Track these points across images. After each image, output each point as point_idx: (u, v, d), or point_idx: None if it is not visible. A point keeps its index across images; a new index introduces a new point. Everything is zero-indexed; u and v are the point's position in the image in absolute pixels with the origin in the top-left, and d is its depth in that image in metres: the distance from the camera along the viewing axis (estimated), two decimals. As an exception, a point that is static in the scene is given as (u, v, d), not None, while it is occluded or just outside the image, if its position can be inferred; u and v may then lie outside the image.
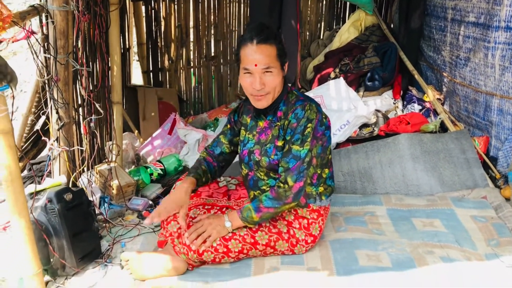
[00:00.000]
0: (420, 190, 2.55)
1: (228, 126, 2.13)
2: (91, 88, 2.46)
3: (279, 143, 1.89)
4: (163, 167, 2.90)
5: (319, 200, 1.98)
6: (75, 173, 2.35)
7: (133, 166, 3.15)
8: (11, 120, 1.64)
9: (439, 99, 3.21)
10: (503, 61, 2.53)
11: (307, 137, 1.82)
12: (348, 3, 4.46)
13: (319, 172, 1.96)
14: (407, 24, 3.52)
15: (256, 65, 1.77)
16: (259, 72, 1.79)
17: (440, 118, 3.00)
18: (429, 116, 3.14)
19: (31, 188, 1.96)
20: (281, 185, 1.82)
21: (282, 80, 1.87)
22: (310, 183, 1.94)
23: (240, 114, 2.10)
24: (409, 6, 3.49)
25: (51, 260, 1.88)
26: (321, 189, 1.98)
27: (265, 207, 1.82)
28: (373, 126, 3.09)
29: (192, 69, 4.37)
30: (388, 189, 2.59)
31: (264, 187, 1.96)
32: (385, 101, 3.32)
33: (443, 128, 3.00)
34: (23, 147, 3.08)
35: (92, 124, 2.42)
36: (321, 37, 4.58)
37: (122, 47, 3.33)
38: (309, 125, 1.82)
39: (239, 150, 2.07)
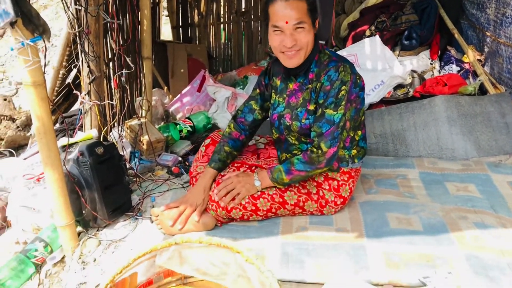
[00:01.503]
0: (455, 154, 2.47)
1: (258, 91, 2.05)
2: (121, 42, 2.44)
3: (311, 107, 1.82)
4: (192, 124, 2.90)
5: (351, 163, 1.93)
6: (106, 127, 2.37)
7: (162, 123, 3.16)
8: (43, 73, 1.64)
9: (479, 60, 3.06)
10: (554, 20, 2.37)
11: (341, 101, 1.74)
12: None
13: (352, 134, 1.90)
14: (449, -21, 3.33)
15: (287, 22, 1.68)
16: (290, 29, 1.69)
17: (479, 80, 2.87)
18: (468, 78, 3.00)
19: (63, 141, 1.98)
20: (314, 150, 1.77)
21: (313, 37, 1.78)
22: (343, 147, 1.88)
23: (270, 77, 2.02)
24: (452, -41, 3.29)
25: (83, 212, 1.92)
26: (354, 151, 1.93)
27: (297, 170, 1.79)
28: (408, 87, 2.99)
29: (222, 25, 4.28)
30: (421, 152, 2.52)
31: (295, 151, 1.93)
32: (421, 61, 3.19)
33: (482, 91, 2.87)
34: (55, 100, 3.12)
35: (122, 79, 2.41)
36: (356, -7, 4.39)
37: (151, 1, 3.27)
38: (343, 87, 1.74)
39: (269, 114, 2.02)
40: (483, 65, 3.04)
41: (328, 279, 1.55)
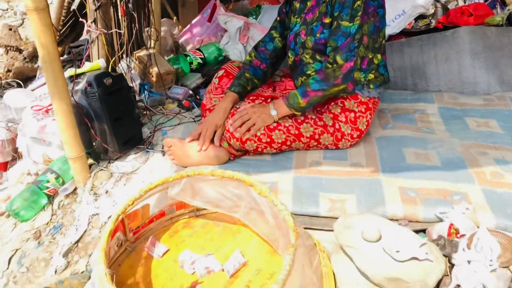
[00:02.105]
0: (477, 88, 2.36)
1: (278, 18, 2.01)
2: (127, -34, 2.30)
3: (326, 20, 1.75)
4: (203, 56, 2.80)
5: (367, 89, 1.85)
6: (114, 58, 2.28)
7: (171, 55, 3.06)
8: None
9: (509, -12, 2.85)
10: None
11: (357, 11, 1.66)
12: None
13: (370, 56, 1.80)
14: None
15: None
16: None
17: (508, 10, 2.69)
18: (495, 8, 2.82)
19: (70, 71, 1.92)
20: (329, 65, 1.70)
21: None
22: (359, 69, 1.80)
23: (291, 3, 1.95)
24: None
25: (94, 144, 1.89)
26: (371, 76, 1.84)
27: (313, 90, 1.71)
28: (430, 18, 2.82)
29: (233, -50, 4.03)
30: (441, 87, 2.42)
31: (309, 72, 1.85)
32: (446, -11, 3.00)
33: (510, 22, 2.70)
34: (62, 31, 3.02)
35: (130, 5, 2.29)
36: None
37: None
38: None
39: (287, 38, 1.95)
40: (512, -6, 2.85)
41: (342, 214, 1.53)
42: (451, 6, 2.93)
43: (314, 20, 1.80)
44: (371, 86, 1.85)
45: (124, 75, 2.17)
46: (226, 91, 1.93)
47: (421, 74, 2.46)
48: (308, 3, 1.85)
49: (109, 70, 2.19)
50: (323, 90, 1.72)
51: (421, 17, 2.84)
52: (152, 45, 2.48)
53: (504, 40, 2.42)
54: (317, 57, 1.81)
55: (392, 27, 2.71)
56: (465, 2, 2.94)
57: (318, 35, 1.76)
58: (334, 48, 1.70)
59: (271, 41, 2.01)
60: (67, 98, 1.70)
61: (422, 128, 2.05)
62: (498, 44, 2.41)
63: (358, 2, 1.66)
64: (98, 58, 2.21)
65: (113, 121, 1.87)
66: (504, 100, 2.23)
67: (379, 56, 1.84)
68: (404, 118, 2.14)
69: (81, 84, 1.84)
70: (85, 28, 2.19)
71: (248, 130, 1.77)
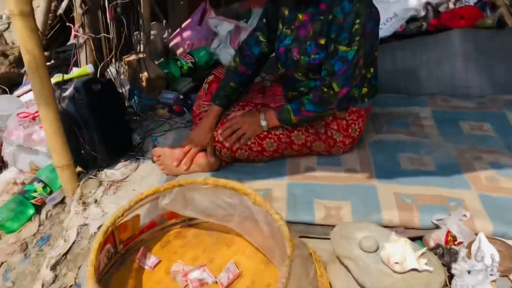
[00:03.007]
0: (469, 91, 2.35)
1: (264, 20, 1.88)
2: (115, -31, 2.25)
3: (322, 41, 1.65)
4: (193, 60, 2.76)
5: (361, 102, 1.82)
6: (103, 63, 2.24)
7: (162, 59, 3.01)
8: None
9: (499, -10, 2.85)
10: None
11: (356, 36, 1.57)
12: None
13: (363, 72, 1.75)
14: None
15: None
16: None
17: (499, 13, 2.69)
18: (485, 11, 2.81)
19: (57, 77, 1.87)
20: (325, 89, 1.65)
21: None
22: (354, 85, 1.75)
23: (278, 7, 1.82)
24: None
25: (82, 152, 1.85)
26: (364, 90, 1.80)
27: (306, 111, 1.69)
28: (421, 21, 2.81)
29: (223, -47, 4.00)
30: (433, 90, 2.40)
31: (302, 89, 1.79)
32: (437, -8, 2.98)
33: (500, 25, 2.68)
34: (49, 36, 2.95)
35: (118, 9, 2.24)
36: None
37: None
38: (358, 21, 1.56)
39: (275, 47, 1.85)
40: (503, -3, 2.84)
41: (337, 221, 1.50)
42: (442, 8, 2.92)
43: (308, 38, 1.69)
44: (365, 99, 1.82)
45: (113, 80, 2.13)
46: (210, 102, 1.88)
47: (413, 78, 2.45)
48: (300, 16, 1.73)
49: (98, 76, 2.14)
50: (316, 112, 1.70)
51: (413, 19, 2.82)
52: (142, 50, 2.43)
53: (495, 43, 2.42)
54: (311, 75, 1.75)
55: (384, 30, 2.69)
56: (455, 5, 2.93)
57: (312, 56, 1.68)
58: (330, 73, 1.63)
59: (257, 45, 1.90)
60: (54, 105, 1.65)
61: (416, 132, 2.03)
62: (489, 47, 2.41)
63: (357, 26, 1.56)
64: (86, 64, 2.16)
65: (102, 129, 1.83)
66: (496, 102, 2.23)
67: (371, 69, 1.79)
68: (397, 122, 2.12)
69: (69, 91, 1.79)
70: (73, 32, 2.14)
71: (238, 139, 1.73)
